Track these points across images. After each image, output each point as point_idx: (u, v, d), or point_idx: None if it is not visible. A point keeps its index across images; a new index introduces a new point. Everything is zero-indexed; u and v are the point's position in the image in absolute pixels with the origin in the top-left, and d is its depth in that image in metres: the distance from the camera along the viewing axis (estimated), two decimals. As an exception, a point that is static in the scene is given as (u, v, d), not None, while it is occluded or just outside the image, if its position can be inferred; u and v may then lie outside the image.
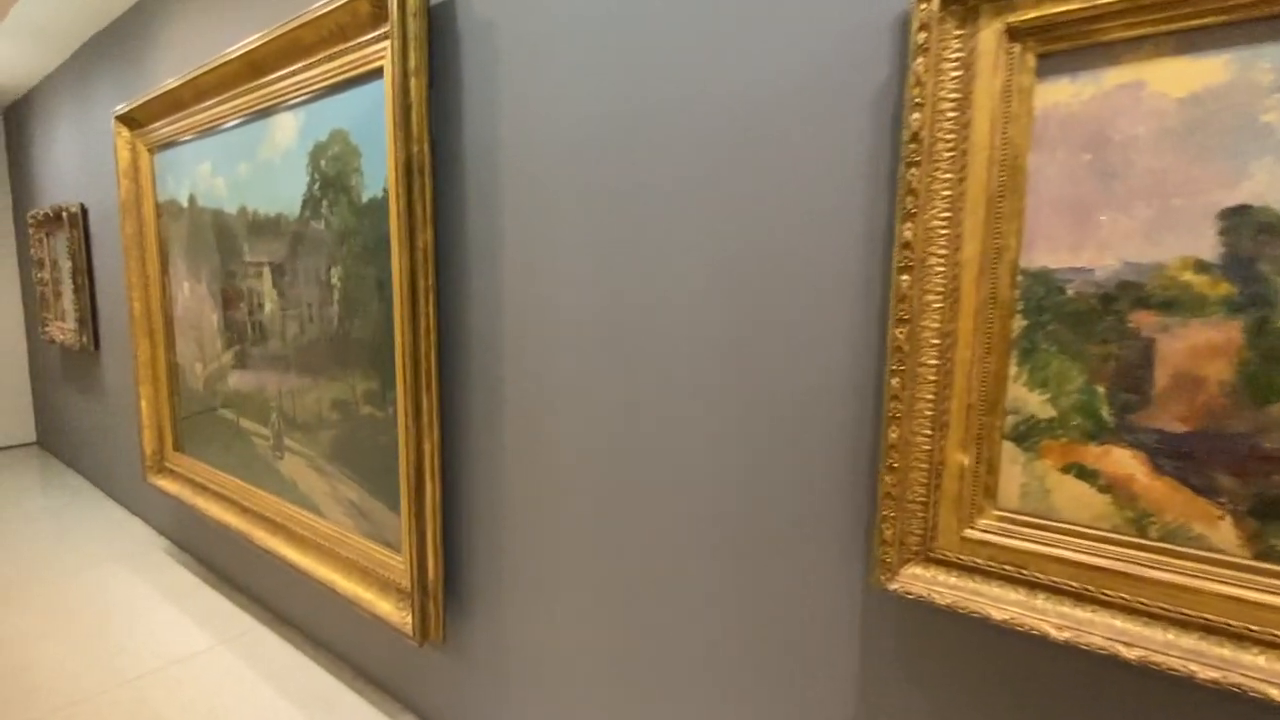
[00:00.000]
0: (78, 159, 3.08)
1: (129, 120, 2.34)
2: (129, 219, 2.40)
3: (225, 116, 1.92)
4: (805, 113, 0.89)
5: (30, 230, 3.56)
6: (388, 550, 1.59)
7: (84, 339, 3.12)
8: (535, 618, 1.35)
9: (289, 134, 1.72)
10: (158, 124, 2.23)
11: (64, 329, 3.38)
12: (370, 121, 1.48)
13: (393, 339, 1.49)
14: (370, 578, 1.62)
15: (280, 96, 1.70)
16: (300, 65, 1.61)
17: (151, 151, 2.34)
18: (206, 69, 1.86)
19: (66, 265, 3.28)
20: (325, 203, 1.64)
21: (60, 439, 3.93)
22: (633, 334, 1.11)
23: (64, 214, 3.06)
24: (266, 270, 1.88)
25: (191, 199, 2.18)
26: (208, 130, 2.03)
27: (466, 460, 1.43)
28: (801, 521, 0.95)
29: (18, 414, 4.28)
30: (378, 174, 1.48)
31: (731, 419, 1.01)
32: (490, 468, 1.39)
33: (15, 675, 1.85)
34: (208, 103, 1.96)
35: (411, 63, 1.29)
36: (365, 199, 1.52)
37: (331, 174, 1.60)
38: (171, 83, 2.03)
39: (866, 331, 0.87)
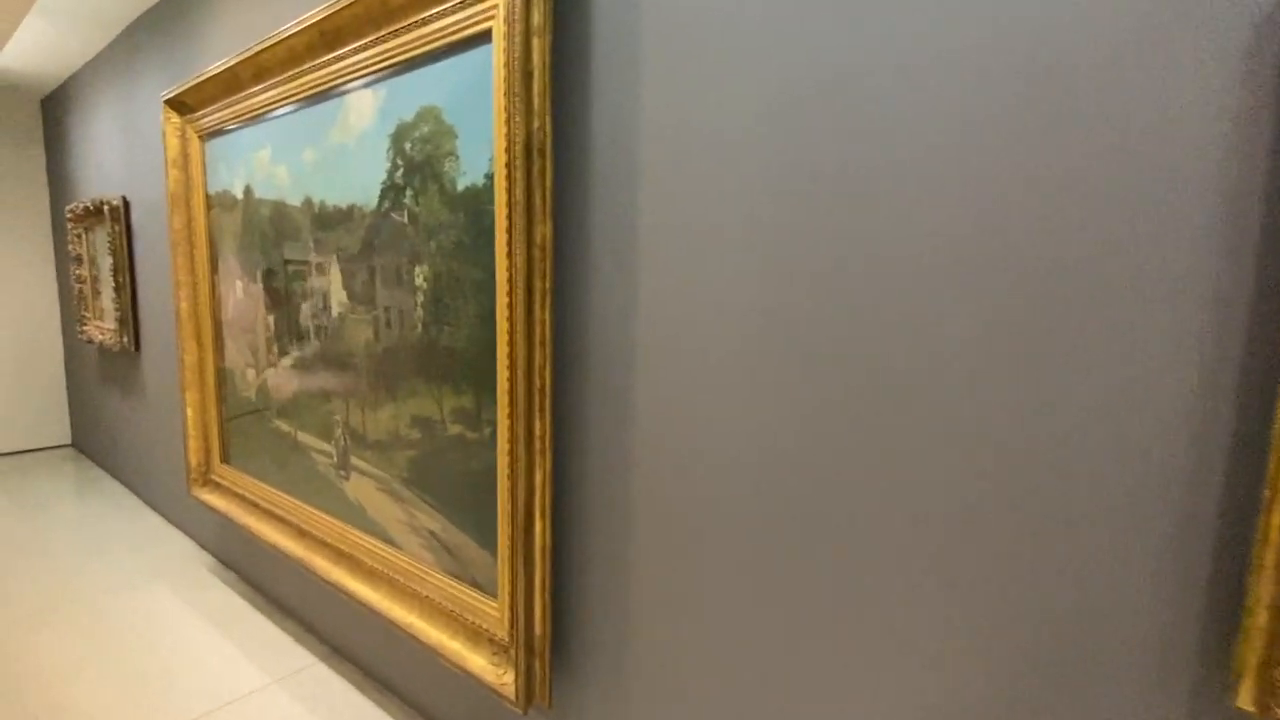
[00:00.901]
0: (120, 149, 2.92)
1: (179, 105, 2.16)
2: (177, 212, 2.23)
3: (289, 97, 1.72)
4: (1145, 62, 0.65)
5: (68, 224, 3.42)
6: (478, 593, 1.38)
7: (124, 340, 2.96)
8: (668, 693, 1.12)
9: (366, 114, 1.51)
10: (211, 108, 2.05)
11: (103, 329, 3.23)
12: (470, 96, 1.27)
13: (494, 349, 1.27)
14: (457, 624, 1.41)
15: (357, 71, 1.50)
16: (385, 32, 1.40)
17: (202, 139, 2.16)
18: (270, 43, 1.67)
19: (107, 262, 3.13)
20: (410, 192, 1.43)
21: (96, 442, 3.79)
22: (843, 353, 0.88)
23: (105, 207, 2.90)
24: (334, 268, 1.68)
25: (247, 190, 1.99)
26: (268, 113, 1.84)
27: (582, 495, 1.21)
28: (1117, 632, 0.71)
29: (52, 415, 4.16)
30: (478, 158, 1.27)
31: (995, 479, 0.77)
32: (612, 505, 1.16)
33: (53, 715, 1.67)
34: (269, 82, 1.77)
35: (535, 19, 1.07)
36: (461, 187, 1.31)
37: (419, 159, 1.39)
38: (228, 61, 1.84)
39: (1219, 368, 0.64)
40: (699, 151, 0.99)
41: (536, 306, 1.14)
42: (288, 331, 1.89)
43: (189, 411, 2.31)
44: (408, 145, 1.42)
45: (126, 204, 2.91)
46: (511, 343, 1.20)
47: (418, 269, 1.44)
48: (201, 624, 2.09)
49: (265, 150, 1.88)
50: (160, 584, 2.35)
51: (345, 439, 1.73)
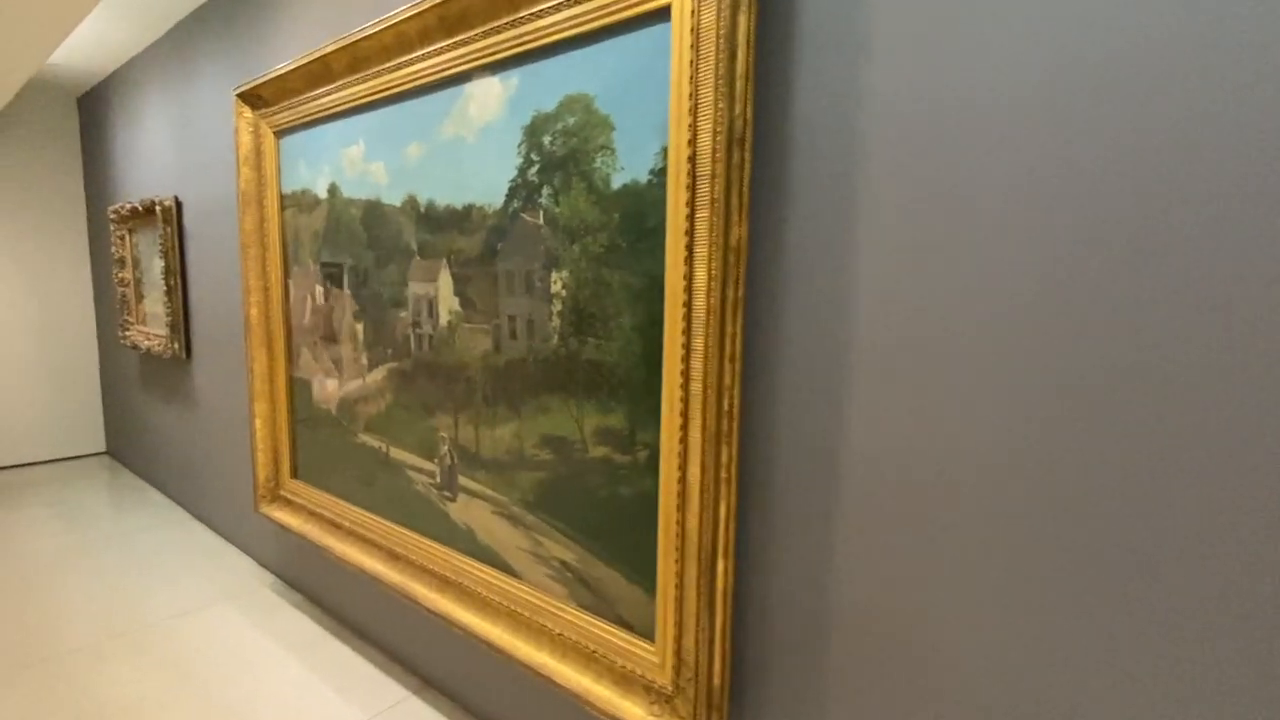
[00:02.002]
0: (172, 148, 2.80)
1: (253, 99, 2.03)
2: (249, 212, 2.10)
3: (392, 88, 1.59)
4: None
5: (111, 226, 3.30)
6: (627, 634, 1.25)
7: (175, 346, 2.84)
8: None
9: (492, 104, 1.39)
10: (290, 101, 1.92)
11: (149, 334, 3.10)
12: (633, 82, 1.14)
13: (655, 365, 1.14)
14: (600, 666, 1.28)
15: (482, 58, 1.37)
16: (523, 14, 1.27)
17: (278, 135, 2.04)
18: (374, 30, 1.54)
19: (155, 265, 3.01)
20: (547, 190, 1.30)
21: (135, 451, 3.67)
22: (1129, 365, 0.74)
23: (156, 208, 2.78)
24: (444, 273, 1.55)
25: (333, 189, 1.86)
26: (361, 106, 1.71)
27: (767, 531, 1.08)
28: None
29: (87, 422, 4.03)
30: (641, 152, 1.14)
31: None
32: (805, 544, 1.03)
33: (138, 757, 1.54)
34: (367, 72, 1.64)
35: (743, -9, 0.95)
36: (617, 185, 1.18)
37: (560, 153, 1.27)
38: (319, 50, 1.71)
39: None
40: (948, 141, 0.86)
41: (729, 319, 1.01)
42: (381, 340, 1.77)
43: (257, 423, 2.18)
44: (546, 139, 1.29)
45: (179, 205, 2.79)
46: (686, 359, 1.07)
47: (555, 275, 1.31)
48: (279, 652, 1.96)
49: (357, 146, 1.75)
50: (227, 606, 2.22)
51: (452, 457, 1.60)
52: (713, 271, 0.99)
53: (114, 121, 3.37)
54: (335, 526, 1.96)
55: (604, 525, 1.28)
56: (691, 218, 1.04)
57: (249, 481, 2.49)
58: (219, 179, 2.48)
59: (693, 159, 1.03)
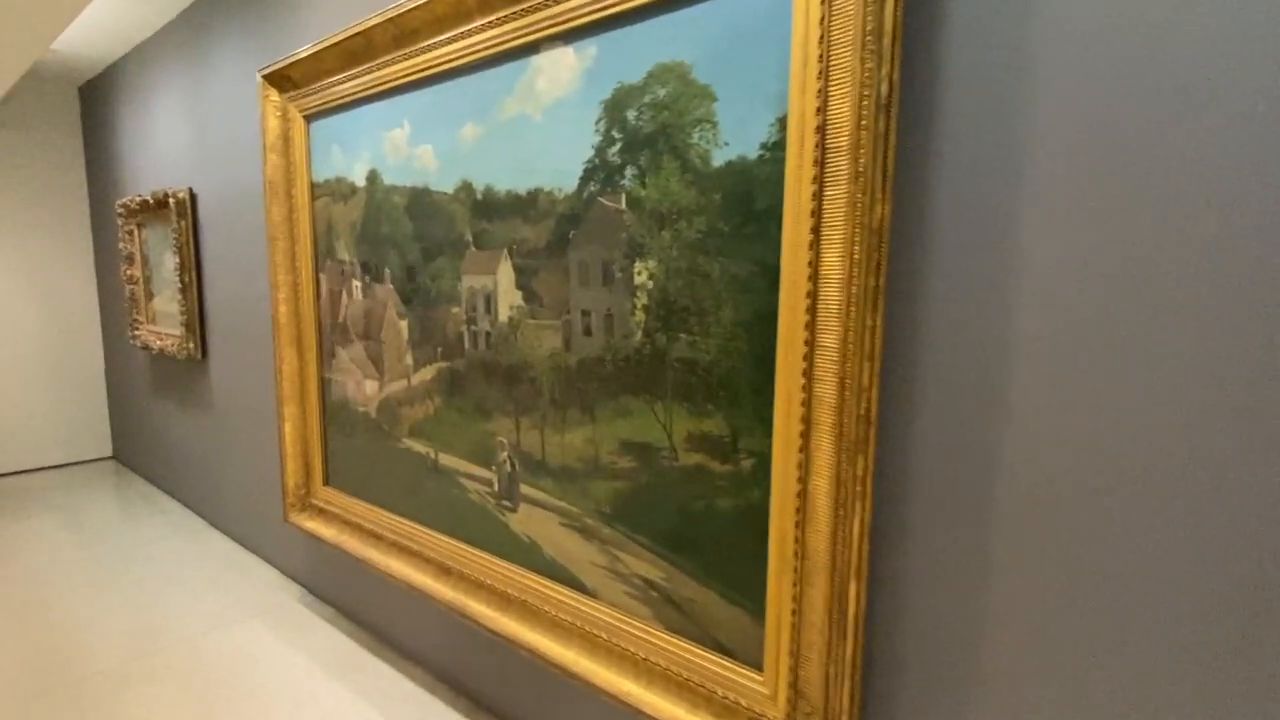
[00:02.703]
0: (186, 137, 2.66)
1: (281, 80, 1.90)
2: (276, 203, 1.97)
3: (442, 63, 1.46)
4: None
5: (119, 220, 3.15)
6: (728, 660, 1.13)
7: (190, 346, 2.70)
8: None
9: (564, 78, 1.26)
10: (323, 82, 1.79)
11: (161, 334, 2.97)
12: (739, 47, 1.02)
13: (765, 363, 1.02)
14: (696, 696, 1.16)
15: (554, 26, 1.24)
16: (607, -25, 1.15)
17: (308, 119, 1.90)
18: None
19: (168, 261, 2.87)
20: (630, 171, 1.18)
21: (145, 456, 3.53)
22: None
23: (170, 200, 2.64)
24: (505, 266, 1.42)
25: (372, 176, 1.73)
26: (406, 85, 1.58)
27: (903, 549, 0.96)
28: None
29: (92, 425, 3.89)
30: (749, 124, 1.02)
31: None
32: (949, 564, 0.92)
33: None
34: (416, 46, 1.51)
35: (892, -65, 0.83)
36: (718, 162, 1.06)
37: (648, 129, 1.14)
38: (361, 25, 1.58)
39: None
40: (1147, 92, 0.74)
41: (867, 310, 0.89)
42: (430, 339, 1.64)
43: (286, 428, 2.05)
44: (631, 114, 1.16)
45: (194, 197, 2.65)
46: (810, 356, 0.95)
47: (639, 265, 1.19)
48: (315, 670, 1.83)
49: (401, 129, 1.62)
50: (255, 622, 2.09)
51: (512, 464, 1.48)
52: (855, 256, 0.87)
53: (120, 111, 3.22)
54: (376, 538, 1.84)
55: (698, 541, 1.16)
56: (819, 196, 0.92)
57: (275, 489, 2.36)
58: (239, 168, 2.35)
59: (821, 129, 0.91)
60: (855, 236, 0.87)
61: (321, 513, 2.03)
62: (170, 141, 2.78)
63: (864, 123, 0.85)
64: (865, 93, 0.85)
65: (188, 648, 1.95)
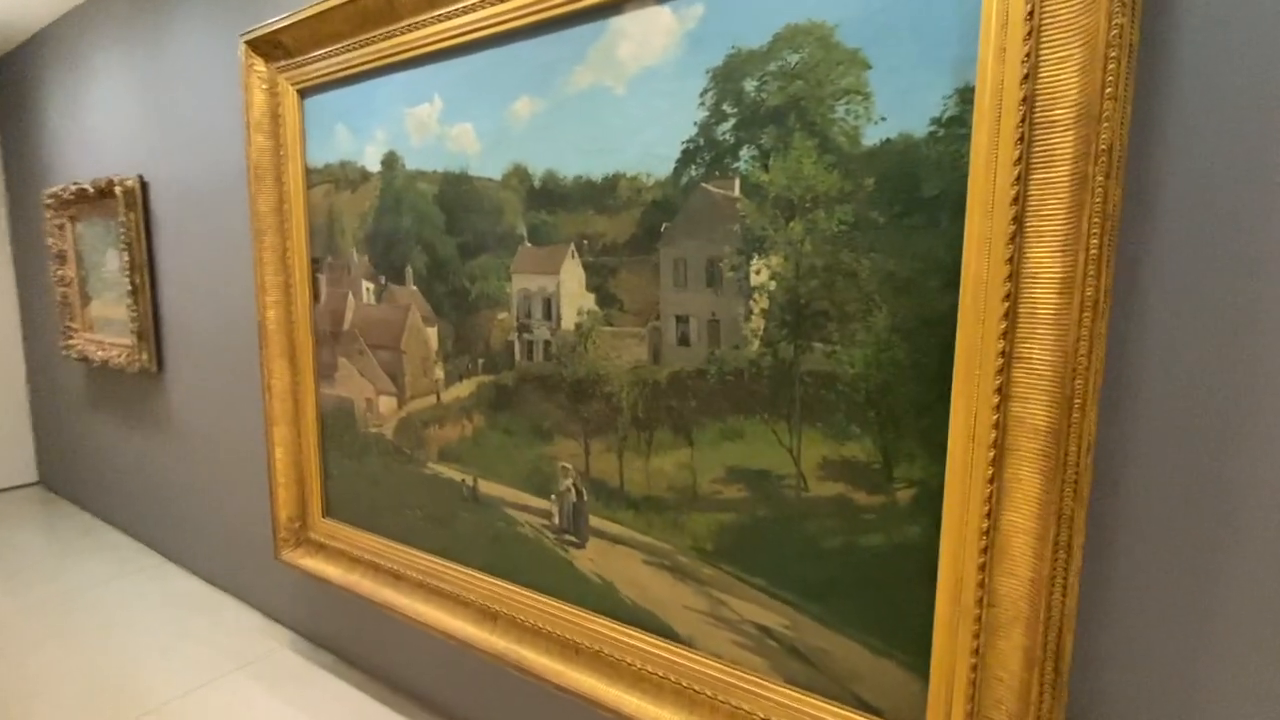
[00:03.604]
0: (134, 116, 2.30)
1: (269, 48, 1.62)
2: (263, 191, 1.69)
3: (488, 26, 1.24)
4: None
5: (47, 214, 2.73)
6: (869, 718, 0.98)
7: (143, 358, 2.34)
8: None
9: (657, 42, 1.07)
10: (326, 50, 1.52)
11: (103, 344, 2.58)
12: (901, 4, 0.86)
13: (936, 377, 0.87)
14: (835, 761, 1.00)
15: (644, -19, 1.06)
16: (723, -82, 0.97)
17: (302, 93, 1.63)
18: (469, -51, 1.19)
19: (111, 260, 2.49)
20: (747, 151, 1.00)
21: (81, 482, 3.09)
22: None
23: (116, 190, 2.28)
24: (571, 264, 1.22)
25: (390, 160, 1.49)
26: (438, 52, 1.35)
27: (1110, 597, 0.83)
28: None
29: (13, 447, 3.39)
30: (914, 96, 0.86)
31: None
32: (1178, 616, 0.79)
33: None
34: (450, 8, 1.29)
35: None
36: (870, 140, 0.90)
37: (774, 102, 0.97)
38: (378, -20, 1.34)
39: None
40: None
41: (1087, 317, 0.75)
42: (467, 349, 1.41)
43: (278, 452, 1.77)
44: (750, 84, 0.99)
45: (144, 185, 2.30)
46: (1006, 370, 0.81)
47: (757, 262, 1.01)
48: (325, 736, 1.58)
49: (430, 105, 1.39)
50: (243, 676, 1.80)
51: (579, 492, 1.28)
52: (1091, 251, 0.73)
53: (45, 90, 2.79)
54: (395, 577, 1.59)
55: (833, 583, 1.00)
56: (1023, 180, 0.78)
57: (259, 521, 2.06)
58: (205, 152, 2.03)
59: (1029, 101, 0.76)
60: (1085, 229, 0.73)
61: (322, 549, 1.77)
62: (113, 122, 2.41)
63: (1109, 91, 0.70)
64: (1111, 54, 0.70)
65: (168, 714, 1.65)
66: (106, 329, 2.62)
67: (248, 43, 1.64)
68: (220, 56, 1.90)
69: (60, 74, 2.67)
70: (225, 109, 1.91)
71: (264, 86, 1.66)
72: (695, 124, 1.05)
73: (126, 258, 2.30)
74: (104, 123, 2.45)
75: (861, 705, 0.99)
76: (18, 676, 1.81)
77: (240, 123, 1.81)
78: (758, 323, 1.03)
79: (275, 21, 1.57)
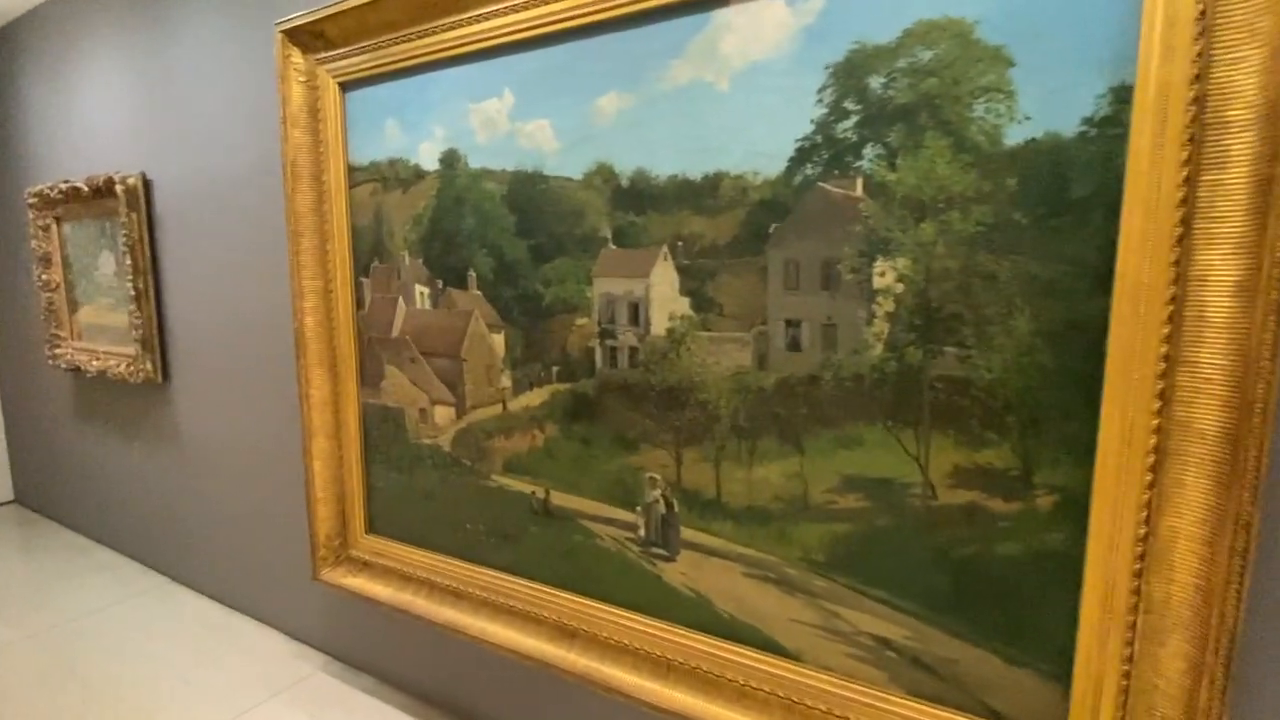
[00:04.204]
0: (134, 110, 2.16)
1: (310, 38, 1.52)
2: (300, 190, 1.59)
3: (568, 17, 1.18)
4: None
5: (31, 214, 2.54)
6: (1006, 729, 0.96)
7: (147, 367, 2.20)
8: None
9: (768, 36, 1.03)
10: (377, 40, 1.44)
11: (98, 353, 2.42)
12: (1047, 2, 0.84)
13: (1083, 382, 0.85)
14: (968, 774, 0.98)
15: (756, -27, 1.02)
16: (852, -91, 0.93)
17: (344, 87, 1.54)
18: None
19: (106, 263, 2.34)
20: (872, 149, 0.97)
21: (68, 499, 2.90)
22: None
23: (117, 188, 2.13)
24: (663, 267, 1.17)
25: (449, 158, 1.41)
26: (510, 44, 1.28)
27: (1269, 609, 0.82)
28: None
29: (-15, 464, 3.17)
30: (1063, 95, 0.84)
31: None
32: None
33: None
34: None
35: None
36: (1012, 140, 0.88)
37: (904, 99, 0.94)
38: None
39: None
40: None
41: (1271, 320, 0.74)
42: (539, 355, 1.35)
43: (316, 466, 1.67)
44: (875, 81, 0.96)
45: (147, 184, 2.15)
46: (1169, 374, 0.79)
47: (882, 264, 0.98)
48: (381, 765, 1.50)
49: (499, 99, 1.32)
50: (281, 705, 1.70)
51: (668, 504, 1.23)
52: (1277, 254, 0.71)
53: (27, 81, 2.60)
54: (456, 596, 1.52)
55: (963, 593, 0.98)
56: (1191, 182, 0.76)
57: (284, 538, 1.96)
58: (219, 148, 1.91)
59: (1199, 101, 0.75)
60: (1271, 232, 0.72)
61: (366, 566, 1.68)
62: (109, 115, 2.25)
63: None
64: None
65: (201, 751, 1.54)
66: (100, 337, 2.45)
67: (285, 33, 1.54)
68: (237, 44, 1.79)
69: (45, 63, 2.49)
70: (243, 101, 1.80)
71: (301, 79, 1.56)
72: (812, 121, 1.01)
73: (128, 261, 2.15)
74: (98, 116, 2.29)
75: (993, 716, 0.97)
76: (37, 708, 1.68)
77: (263, 116, 1.72)
78: (881, 327, 1.00)
79: (316, 11, 1.47)
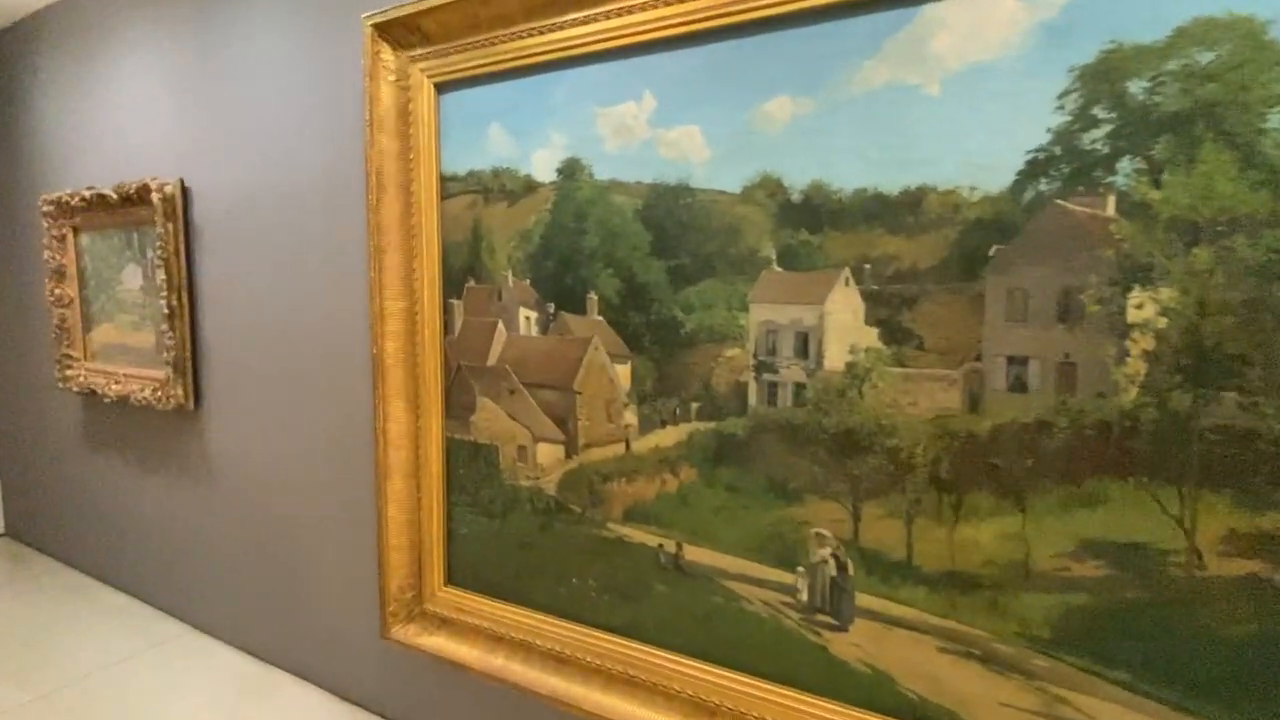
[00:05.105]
0: (177, 112, 1.97)
1: (404, 33, 1.37)
2: (387, 201, 1.42)
3: (731, 11, 1.05)
4: None
5: (45, 223, 2.33)
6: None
7: (177, 393, 1.99)
8: None
9: (995, 33, 0.90)
10: (487, 36, 1.29)
11: (119, 375, 2.20)
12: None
13: None
14: None
15: (982, -38, 0.89)
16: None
17: (440, 87, 1.39)
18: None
19: (134, 276, 2.14)
20: (1127, 164, 0.84)
21: (70, 534, 2.64)
22: None
23: (153, 196, 1.93)
24: (844, 292, 1.03)
25: (569, 167, 1.26)
26: (653, 42, 1.14)
27: None
28: None
29: (-27, 494, 2.90)
30: (1393, 101, 0.72)
31: None
32: None
33: None
34: (678, -10, 1.09)
35: None
36: (1326, 153, 0.75)
37: (1174, 107, 0.81)
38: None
39: None
40: None
41: None
42: (674, 390, 1.19)
43: (390, 509, 1.48)
44: (1136, 85, 0.83)
45: (185, 192, 1.97)
46: None
47: (1139, 294, 0.85)
48: None
49: (638, 104, 1.17)
50: (343, 785, 1.49)
51: (840, 565, 1.07)
52: None
53: (45, 78, 2.41)
54: (558, 660, 1.33)
55: (1235, 679, 0.83)
56: None
57: (336, 587, 1.75)
58: (273, 154, 1.74)
59: None
60: None
61: (445, 624, 1.48)
62: (143, 117, 2.07)
63: None
64: None
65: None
66: (120, 358, 2.24)
67: (375, 27, 1.39)
68: (303, 39, 1.63)
69: (69, 58, 2.30)
70: (307, 103, 1.64)
71: (391, 79, 1.41)
72: (1049, 130, 0.88)
73: (162, 276, 1.95)
74: (130, 117, 2.11)
75: (1283, 830, 0.82)
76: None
77: (332, 120, 1.57)
78: (1136, 366, 0.86)
79: (413, 3, 1.33)
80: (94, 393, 2.26)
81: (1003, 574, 0.96)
